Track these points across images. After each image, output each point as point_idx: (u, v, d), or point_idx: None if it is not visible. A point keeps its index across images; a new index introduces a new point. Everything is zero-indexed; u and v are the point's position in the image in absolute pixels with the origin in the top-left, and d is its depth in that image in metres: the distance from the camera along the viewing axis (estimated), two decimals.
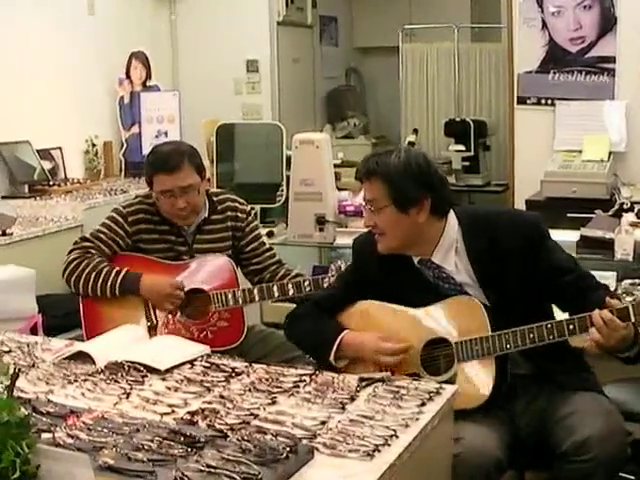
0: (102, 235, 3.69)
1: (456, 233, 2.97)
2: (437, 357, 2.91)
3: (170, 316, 3.58)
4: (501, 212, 3.31)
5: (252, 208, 4.02)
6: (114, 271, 3.59)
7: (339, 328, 3.04)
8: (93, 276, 3.58)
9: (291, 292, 3.59)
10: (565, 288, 2.90)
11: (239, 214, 3.82)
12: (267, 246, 3.91)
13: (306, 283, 3.58)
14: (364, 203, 3.02)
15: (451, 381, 2.80)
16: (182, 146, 3.79)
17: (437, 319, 2.93)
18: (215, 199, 3.80)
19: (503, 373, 2.83)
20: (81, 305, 3.66)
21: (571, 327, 2.75)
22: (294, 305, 3.40)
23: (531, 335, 2.78)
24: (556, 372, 2.90)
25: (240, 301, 3.60)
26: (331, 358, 2.98)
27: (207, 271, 3.66)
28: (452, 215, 2.98)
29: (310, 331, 3.12)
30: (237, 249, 3.81)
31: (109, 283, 3.57)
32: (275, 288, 3.62)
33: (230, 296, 3.60)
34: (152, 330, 3.53)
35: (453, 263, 2.96)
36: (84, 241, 3.70)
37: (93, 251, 3.65)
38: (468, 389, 2.80)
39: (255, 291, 3.62)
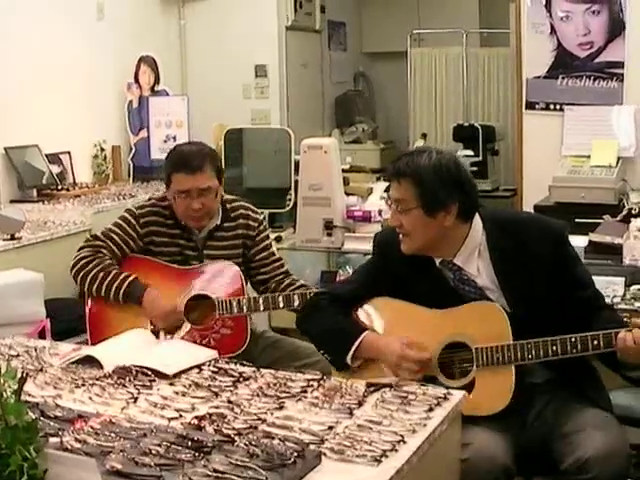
0: (114, 235, 3.68)
1: (480, 236, 2.95)
2: (453, 361, 2.89)
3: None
4: (527, 217, 3.30)
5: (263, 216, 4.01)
6: (122, 275, 3.59)
7: (360, 327, 3.00)
8: (101, 276, 3.58)
9: (296, 303, 3.56)
10: (579, 302, 2.89)
11: (251, 222, 3.80)
12: (276, 256, 3.88)
13: (312, 295, 3.57)
14: (390, 202, 2.99)
15: (468, 386, 2.79)
16: (205, 148, 3.77)
17: (458, 322, 2.90)
18: (228, 206, 3.79)
19: (519, 382, 2.80)
20: (86, 308, 3.65)
21: (595, 342, 2.73)
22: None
23: (554, 347, 2.75)
24: (572, 383, 2.89)
25: (245, 309, 3.58)
26: (348, 357, 2.94)
27: (214, 278, 3.65)
28: (477, 218, 2.96)
29: (328, 327, 3.05)
30: (246, 258, 3.80)
31: (114, 286, 3.57)
32: (280, 298, 3.59)
33: (235, 304, 3.58)
34: (155, 335, 3.51)
35: (475, 266, 2.94)
36: (96, 239, 3.70)
37: (104, 251, 3.64)
38: (485, 396, 2.78)
39: (260, 300, 3.60)
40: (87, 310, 3.65)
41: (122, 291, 3.57)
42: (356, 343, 2.93)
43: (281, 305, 3.60)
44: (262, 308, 3.61)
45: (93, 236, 3.75)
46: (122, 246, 3.68)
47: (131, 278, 3.59)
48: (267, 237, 3.88)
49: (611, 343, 2.72)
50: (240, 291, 3.64)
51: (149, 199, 3.84)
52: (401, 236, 2.96)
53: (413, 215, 2.89)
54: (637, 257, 4.08)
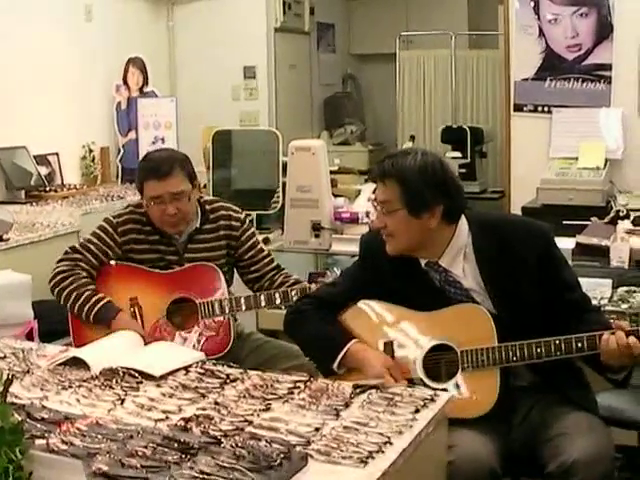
0: (91, 246, 3.69)
1: (466, 238, 2.94)
2: (439, 363, 2.89)
3: (158, 324, 3.59)
4: (513, 219, 3.31)
5: (248, 215, 4.00)
6: (94, 298, 3.58)
7: (346, 336, 2.98)
8: (74, 296, 3.59)
9: (278, 301, 3.59)
10: (565, 305, 2.89)
11: (233, 222, 3.79)
12: (265, 253, 3.87)
13: (293, 292, 3.58)
14: (375, 203, 2.98)
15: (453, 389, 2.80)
16: (174, 153, 3.81)
17: (443, 325, 2.90)
18: (208, 207, 3.78)
19: (504, 384, 2.81)
20: (69, 312, 3.66)
21: (579, 345, 2.74)
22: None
23: (538, 350, 2.76)
24: (558, 385, 2.89)
25: (227, 310, 3.59)
26: (334, 366, 2.93)
27: (194, 280, 3.65)
28: (463, 220, 2.95)
29: (314, 334, 3.05)
30: (234, 258, 3.80)
31: (85, 308, 3.57)
32: (262, 297, 3.62)
33: (217, 305, 3.59)
34: None
35: (461, 268, 2.93)
36: (74, 252, 3.70)
37: (82, 264, 3.65)
38: (470, 399, 2.79)
39: (242, 300, 3.61)
40: (69, 314, 3.66)
41: (93, 314, 3.57)
42: (341, 353, 2.93)
43: (263, 304, 3.62)
44: (244, 308, 3.62)
45: (72, 248, 3.74)
46: (100, 256, 3.69)
47: (102, 302, 3.58)
48: (253, 235, 3.87)
49: (595, 345, 2.73)
50: (221, 291, 3.64)
51: (127, 206, 3.84)
52: (385, 237, 2.96)
53: (398, 216, 2.89)
54: (624, 259, 4.09)
